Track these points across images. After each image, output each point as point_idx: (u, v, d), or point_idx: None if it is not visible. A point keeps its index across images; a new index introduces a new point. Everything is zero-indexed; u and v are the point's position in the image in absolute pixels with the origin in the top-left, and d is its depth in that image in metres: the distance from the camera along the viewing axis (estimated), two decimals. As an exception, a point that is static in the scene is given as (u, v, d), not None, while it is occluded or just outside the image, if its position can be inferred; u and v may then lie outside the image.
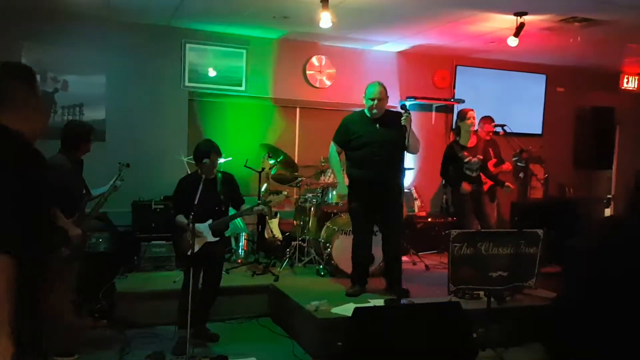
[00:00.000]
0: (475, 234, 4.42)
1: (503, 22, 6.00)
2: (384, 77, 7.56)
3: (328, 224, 5.89)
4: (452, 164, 5.73)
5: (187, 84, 6.88)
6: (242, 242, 6.31)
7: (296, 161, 6.83)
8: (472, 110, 5.78)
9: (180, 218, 4.37)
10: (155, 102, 6.75)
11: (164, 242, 5.80)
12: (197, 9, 6.02)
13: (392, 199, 4.95)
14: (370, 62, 7.68)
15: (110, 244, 5.55)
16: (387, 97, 5.00)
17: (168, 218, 5.29)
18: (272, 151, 6.39)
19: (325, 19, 5.60)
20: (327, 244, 5.70)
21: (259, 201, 4.86)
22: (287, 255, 5.92)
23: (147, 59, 6.69)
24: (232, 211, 4.72)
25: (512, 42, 6.03)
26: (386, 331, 3.66)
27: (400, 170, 5.07)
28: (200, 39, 6.91)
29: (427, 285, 5.26)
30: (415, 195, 7.50)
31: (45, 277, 1.93)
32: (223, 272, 4.75)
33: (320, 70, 7.47)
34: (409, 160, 7.36)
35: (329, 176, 6.36)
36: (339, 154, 5.06)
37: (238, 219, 5.58)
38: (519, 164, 6.74)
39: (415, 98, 7.67)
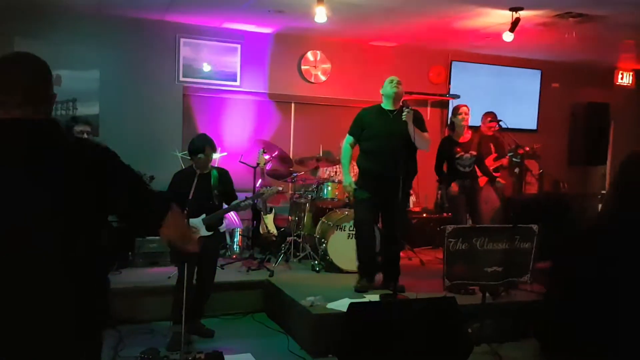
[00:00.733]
0: (470, 230, 4.42)
1: (498, 17, 6.00)
2: (379, 72, 7.56)
3: (323, 219, 5.88)
4: (444, 159, 5.73)
5: (181, 79, 6.85)
6: (237, 237, 6.30)
7: (291, 156, 6.82)
8: (465, 105, 5.76)
9: (174, 213, 4.34)
10: (149, 98, 6.71)
11: (158, 237, 5.75)
12: (191, 3, 5.99)
13: (396, 193, 4.73)
14: (365, 57, 7.67)
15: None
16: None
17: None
18: (267, 146, 6.37)
19: (320, 14, 5.59)
20: (322, 240, 5.69)
21: (252, 195, 4.85)
22: (282, 251, 5.91)
23: (141, 54, 6.66)
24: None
25: (508, 37, 6.04)
26: (381, 326, 3.66)
27: (409, 166, 4.93)
28: (195, 34, 6.88)
29: (422, 280, 5.25)
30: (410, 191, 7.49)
31: None
32: (218, 267, 4.73)
33: (315, 65, 7.45)
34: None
35: (327, 171, 6.36)
36: (352, 147, 5.02)
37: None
38: (514, 159, 6.75)
39: (411, 93, 7.64)
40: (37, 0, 5.93)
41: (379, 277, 5.09)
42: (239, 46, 7.09)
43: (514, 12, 5.75)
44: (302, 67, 7.40)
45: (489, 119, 6.45)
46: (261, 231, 6.37)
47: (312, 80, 7.45)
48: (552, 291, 2.02)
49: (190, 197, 4.04)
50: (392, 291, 4.67)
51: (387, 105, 4.97)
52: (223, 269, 5.52)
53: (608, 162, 8.72)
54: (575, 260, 1.92)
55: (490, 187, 5.99)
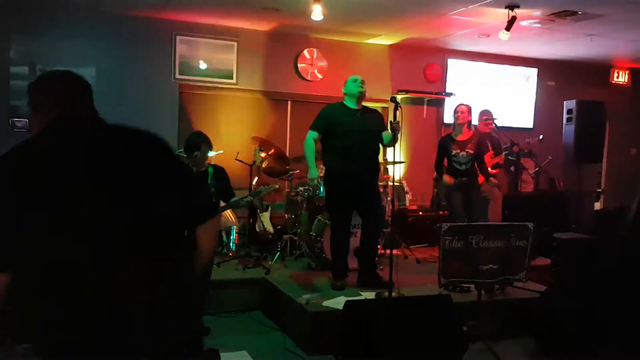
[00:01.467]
0: (465, 228, 4.43)
1: (495, 15, 6.01)
2: (375, 70, 7.60)
3: (319, 217, 5.87)
4: (443, 156, 5.80)
5: (177, 76, 6.84)
6: (233, 235, 6.29)
7: (287, 154, 6.82)
8: (463, 105, 5.80)
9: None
10: (145, 95, 6.70)
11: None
12: (187, 0, 5.98)
13: (371, 189, 5.04)
14: (362, 55, 7.67)
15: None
16: None
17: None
18: (264, 144, 6.37)
19: (317, 12, 5.59)
20: (319, 238, 5.69)
21: (249, 194, 4.85)
22: (279, 249, 5.91)
23: (137, 51, 6.64)
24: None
25: (504, 35, 6.05)
26: (377, 324, 3.66)
27: (377, 161, 5.17)
28: (191, 31, 6.87)
29: (418, 278, 5.26)
30: (406, 188, 7.50)
31: None
32: (214, 265, 4.73)
33: (312, 63, 7.44)
34: (400, 153, 7.36)
35: (322, 169, 6.35)
36: (316, 142, 5.06)
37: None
38: (510, 157, 6.78)
39: (407, 91, 7.67)
40: (33, -3, 5.91)
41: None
42: (235, 43, 7.08)
43: (510, 11, 5.75)
44: (299, 64, 7.39)
45: (485, 117, 6.50)
46: (257, 229, 6.37)
47: (309, 78, 7.44)
48: (555, 290, 2.03)
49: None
50: (375, 286, 4.76)
51: (351, 104, 4.98)
52: (219, 266, 5.52)
53: (604, 160, 8.75)
54: (586, 256, 1.93)
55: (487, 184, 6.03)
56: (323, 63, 7.48)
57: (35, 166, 1.55)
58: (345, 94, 5.03)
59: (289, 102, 7.48)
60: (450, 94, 7.97)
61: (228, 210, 5.75)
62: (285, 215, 6.44)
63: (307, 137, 5.03)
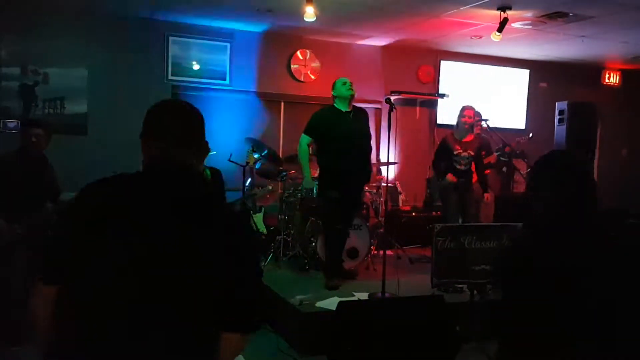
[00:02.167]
0: (458, 228, 4.45)
1: (487, 17, 6.03)
2: (368, 71, 7.61)
3: (313, 218, 5.88)
4: (443, 155, 5.81)
5: (170, 77, 6.83)
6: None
7: (281, 155, 6.81)
8: (471, 109, 5.80)
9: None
10: (137, 96, 6.66)
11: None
12: (180, 1, 5.97)
13: (361, 192, 5.38)
14: (354, 56, 7.68)
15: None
16: None
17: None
18: (257, 145, 6.36)
19: (309, 13, 5.59)
20: (312, 239, 5.69)
21: (244, 195, 4.85)
22: (272, 250, 5.90)
23: (129, 52, 6.62)
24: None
25: (496, 37, 6.08)
26: (370, 325, 3.67)
27: (370, 162, 5.34)
28: (184, 32, 6.85)
29: (411, 278, 5.28)
30: (399, 189, 7.52)
31: None
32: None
33: (305, 64, 7.45)
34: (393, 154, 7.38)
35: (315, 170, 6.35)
36: (309, 146, 5.14)
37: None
38: (502, 158, 6.80)
39: (400, 92, 7.68)
40: (24, -2, 5.89)
41: (365, 273, 5.17)
42: (228, 45, 7.07)
43: (502, 12, 5.78)
44: (292, 66, 7.39)
45: (476, 118, 6.50)
46: (250, 230, 6.36)
47: (302, 79, 7.45)
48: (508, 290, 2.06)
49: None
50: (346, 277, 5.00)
51: (342, 106, 5.05)
52: (212, 268, 5.50)
53: (595, 161, 8.79)
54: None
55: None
56: (316, 64, 7.48)
57: (113, 205, 1.56)
58: (335, 97, 5.08)
59: (282, 103, 7.48)
60: (443, 95, 7.98)
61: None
62: (279, 216, 6.44)
63: (301, 142, 5.08)
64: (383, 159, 7.13)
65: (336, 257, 5.14)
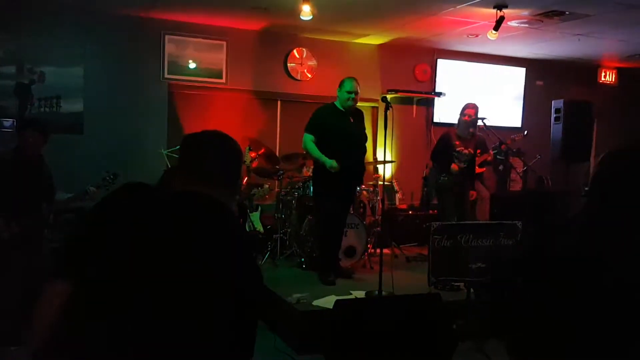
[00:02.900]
0: (455, 227, 4.45)
1: (483, 15, 6.03)
2: (365, 70, 7.60)
3: (309, 216, 5.87)
4: (443, 149, 5.79)
5: (166, 76, 6.81)
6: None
7: (277, 154, 6.81)
8: (472, 108, 5.80)
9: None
10: (134, 94, 6.67)
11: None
12: (176, 0, 5.96)
13: (354, 191, 5.50)
14: (351, 54, 7.67)
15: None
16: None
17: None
18: (253, 144, 6.36)
19: (306, 11, 5.59)
20: (309, 237, 5.69)
21: (240, 194, 4.84)
22: (269, 249, 5.90)
23: (125, 51, 6.61)
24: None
25: (492, 35, 6.08)
26: (367, 323, 3.67)
27: (364, 162, 5.45)
28: (180, 31, 6.84)
29: (408, 277, 5.28)
30: (396, 188, 7.53)
31: None
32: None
33: (302, 63, 7.44)
34: (390, 153, 7.39)
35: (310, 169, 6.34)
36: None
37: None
38: (498, 156, 6.81)
39: (397, 91, 7.69)
40: (20, -4, 5.87)
41: (362, 271, 5.20)
42: (224, 43, 7.06)
43: (498, 11, 5.78)
44: (288, 64, 7.38)
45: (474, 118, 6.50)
46: (247, 229, 6.36)
47: (299, 77, 7.44)
48: (524, 291, 1.99)
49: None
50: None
51: (343, 104, 5.13)
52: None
53: (591, 159, 8.81)
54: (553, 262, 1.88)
55: (478, 181, 6.09)
56: (312, 62, 7.48)
57: (134, 213, 1.58)
58: (338, 97, 5.14)
59: (279, 102, 7.47)
60: (439, 94, 8.00)
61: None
62: (276, 214, 6.44)
63: (306, 141, 5.14)
64: (380, 157, 7.13)
65: (331, 253, 5.16)
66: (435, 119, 8.09)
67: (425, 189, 7.59)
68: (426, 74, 8.10)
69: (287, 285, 4.91)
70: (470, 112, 5.75)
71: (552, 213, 6.38)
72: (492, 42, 6.71)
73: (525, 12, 5.96)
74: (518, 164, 7.22)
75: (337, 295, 4.45)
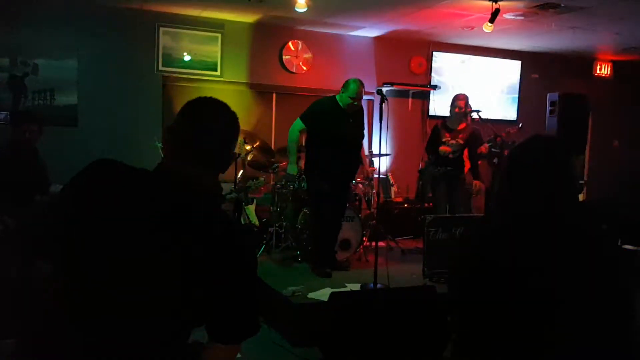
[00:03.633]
0: (449, 219, 4.46)
1: (479, 8, 6.02)
2: (360, 62, 7.59)
3: (305, 209, 5.87)
4: (433, 141, 5.82)
5: (160, 68, 6.78)
6: (219, 228, 6.26)
7: (273, 147, 6.80)
8: (462, 99, 5.82)
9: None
10: (128, 87, 6.64)
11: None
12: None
13: (347, 188, 5.39)
14: (346, 47, 7.65)
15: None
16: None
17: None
18: (248, 137, 6.34)
19: (301, 3, 5.57)
20: (304, 230, 5.69)
21: (237, 187, 4.84)
22: (264, 242, 5.90)
23: (119, 43, 6.57)
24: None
25: (487, 28, 6.07)
26: (362, 315, 3.68)
27: (358, 160, 5.38)
28: (174, 23, 6.81)
29: (403, 269, 5.29)
30: (391, 181, 7.53)
31: None
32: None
33: (297, 55, 7.42)
34: (386, 146, 7.39)
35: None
36: (302, 133, 5.14)
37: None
38: (493, 149, 6.81)
39: (392, 84, 7.68)
40: (13, -12, 5.82)
41: (357, 264, 5.20)
42: (219, 35, 7.03)
43: (494, 3, 5.77)
44: (284, 57, 7.36)
45: (469, 109, 6.50)
46: (242, 221, 6.36)
47: (294, 70, 7.42)
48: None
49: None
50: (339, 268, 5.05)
51: (344, 105, 5.03)
52: (204, 259, 5.51)
53: (587, 152, 8.84)
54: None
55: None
56: (308, 55, 7.45)
57: (113, 192, 1.53)
58: (341, 96, 5.03)
59: (274, 94, 7.45)
60: (435, 87, 7.99)
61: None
62: (271, 207, 6.43)
63: (294, 126, 5.10)
64: (375, 150, 7.13)
65: (326, 246, 5.16)
66: (431, 112, 8.09)
67: (421, 182, 7.60)
68: (422, 67, 8.08)
69: (282, 278, 4.92)
70: (460, 103, 5.77)
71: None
72: (488, 35, 6.70)
73: (520, 5, 5.95)
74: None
75: (332, 288, 4.47)
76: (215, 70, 7.03)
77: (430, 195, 6.36)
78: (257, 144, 6.30)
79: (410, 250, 6.34)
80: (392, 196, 7.50)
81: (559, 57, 8.62)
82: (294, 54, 7.41)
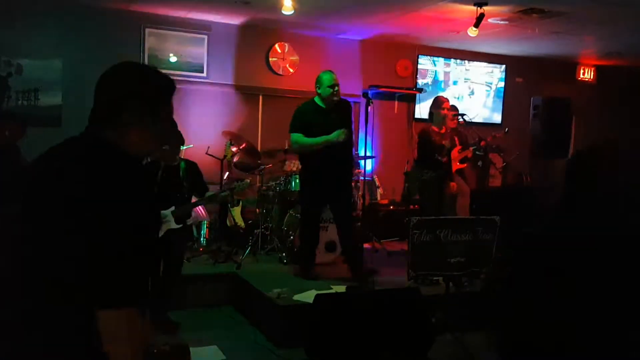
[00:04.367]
0: (434, 221, 4.49)
1: (464, 12, 6.08)
2: (346, 65, 7.61)
3: (291, 211, 5.89)
4: (429, 147, 5.82)
5: (147, 69, 6.74)
6: (204, 230, 6.26)
7: (259, 149, 6.80)
8: (444, 97, 5.89)
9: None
10: (114, 88, 6.60)
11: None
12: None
13: (345, 186, 5.13)
14: (333, 50, 7.68)
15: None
16: None
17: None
18: (235, 138, 6.34)
19: (288, 5, 5.59)
20: (290, 232, 5.70)
21: (222, 188, 4.84)
22: (250, 243, 5.90)
23: (105, 43, 6.53)
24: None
25: (472, 32, 6.13)
26: (347, 317, 3.70)
27: (351, 156, 5.24)
28: (160, 24, 6.79)
29: (388, 271, 5.32)
30: (377, 183, 7.56)
31: None
32: (184, 260, 4.72)
33: (283, 58, 7.43)
34: (371, 148, 7.41)
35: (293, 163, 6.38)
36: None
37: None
38: (477, 152, 6.88)
39: (378, 87, 7.71)
40: (-4, -13, 5.77)
41: (344, 268, 5.18)
42: (205, 37, 7.02)
43: (479, 8, 5.83)
44: (270, 59, 7.37)
45: (452, 113, 6.55)
46: (228, 224, 6.35)
47: (280, 72, 7.43)
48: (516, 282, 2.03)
49: (156, 190, 4.02)
50: (362, 281, 4.76)
51: (322, 103, 4.98)
52: (189, 261, 5.49)
53: (569, 155, 8.94)
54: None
55: (459, 176, 6.15)
56: (294, 57, 7.47)
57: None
58: (318, 93, 4.99)
59: (261, 97, 7.45)
60: (421, 90, 8.04)
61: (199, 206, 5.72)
62: (257, 209, 6.43)
63: (296, 141, 4.98)
64: (361, 153, 7.15)
65: (311, 248, 5.15)
66: (417, 115, 8.13)
67: (407, 184, 7.64)
68: (407, 70, 8.13)
69: (267, 280, 4.92)
70: (447, 105, 5.82)
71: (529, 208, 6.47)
72: (473, 39, 6.76)
73: (505, 10, 6.02)
74: (497, 160, 7.29)
75: (317, 290, 4.48)
76: (202, 72, 7.02)
77: (418, 198, 6.38)
78: (244, 145, 6.30)
79: (395, 252, 6.37)
80: (378, 198, 7.53)
81: (543, 61, 8.72)
82: (281, 56, 7.42)
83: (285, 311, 4.26)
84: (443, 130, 5.87)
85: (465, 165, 6.51)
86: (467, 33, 6.28)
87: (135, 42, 6.68)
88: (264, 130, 7.43)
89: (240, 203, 6.57)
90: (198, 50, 6.98)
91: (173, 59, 6.87)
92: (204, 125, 6.93)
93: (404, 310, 3.84)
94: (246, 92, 7.33)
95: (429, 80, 8.21)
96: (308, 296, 4.26)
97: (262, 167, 6.33)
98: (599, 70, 9.36)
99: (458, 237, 4.34)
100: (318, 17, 6.64)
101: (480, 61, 8.49)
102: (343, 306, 3.82)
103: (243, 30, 7.20)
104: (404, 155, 7.66)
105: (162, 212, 4.28)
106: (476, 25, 5.97)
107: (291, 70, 7.47)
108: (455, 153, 6.25)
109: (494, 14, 6.13)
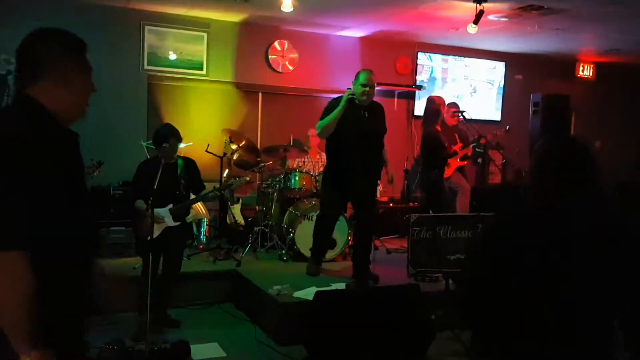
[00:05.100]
0: (434, 218, 4.50)
1: (463, 9, 6.08)
2: (346, 62, 7.61)
3: (290, 209, 5.90)
4: (439, 147, 5.85)
5: (146, 67, 6.75)
6: (204, 228, 6.27)
7: (258, 146, 6.80)
8: (442, 97, 5.93)
9: (140, 203, 4.32)
10: (113, 86, 6.59)
11: (123, 228, 5.74)
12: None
13: (369, 188, 4.95)
14: (332, 47, 7.67)
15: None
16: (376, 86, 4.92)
17: (127, 204, 5.23)
18: (234, 136, 6.34)
19: (287, 3, 5.58)
20: (290, 229, 5.71)
21: (220, 186, 4.84)
22: (250, 241, 5.91)
23: (104, 41, 6.52)
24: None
25: (472, 29, 6.13)
26: (347, 314, 3.71)
27: (378, 160, 5.04)
28: (160, 21, 6.78)
29: (388, 268, 5.33)
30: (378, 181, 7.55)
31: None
32: (184, 258, 4.72)
33: (283, 55, 7.43)
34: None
35: (294, 161, 6.38)
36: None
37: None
38: (477, 149, 6.88)
39: (378, 84, 7.69)
40: (-5, -15, 5.77)
41: (344, 264, 5.18)
42: (205, 34, 7.02)
43: (478, 4, 5.83)
44: (270, 56, 7.37)
45: (453, 110, 6.56)
46: (228, 221, 6.36)
47: (280, 69, 7.43)
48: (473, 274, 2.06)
49: (155, 187, 4.02)
50: (367, 280, 4.75)
51: (357, 96, 4.83)
52: (190, 259, 5.50)
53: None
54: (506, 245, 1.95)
55: (459, 174, 6.19)
56: (294, 55, 7.46)
57: None
58: (353, 85, 4.87)
59: (260, 94, 7.45)
60: (420, 87, 8.05)
61: (199, 203, 5.73)
62: (256, 207, 6.44)
63: (317, 126, 4.88)
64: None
65: (321, 246, 5.14)
66: (416, 112, 8.13)
67: (406, 181, 7.64)
68: (407, 67, 8.13)
69: (267, 277, 4.92)
70: (441, 101, 5.86)
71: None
72: (472, 36, 6.76)
73: (504, 7, 6.01)
74: (497, 157, 7.30)
75: (317, 286, 4.48)
76: (201, 69, 7.02)
77: (418, 195, 6.40)
78: (243, 143, 6.30)
79: (395, 250, 6.38)
80: (378, 195, 7.52)
81: (543, 58, 8.72)
82: (280, 54, 7.42)
83: (285, 308, 4.27)
84: (443, 130, 5.90)
85: (466, 162, 6.53)
86: (466, 30, 6.27)
87: (135, 39, 6.67)
88: (263, 127, 7.43)
89: (240, 201, 6.58)
90: (198, 48, 6.98)
91: (172, 56, 6.86)
92: (204, 123, 6.94)
93: (403, 307, 3.85)
94: (246, 90, 7.33)
95: (424, 77, 8.21)
96: (308, 293, 4.26)
97: (262, 164, 6.34)
98: (598, 67, 9.37)
99: (457, 234, 4.36)
100: (317, 14, 6.64)
101: (479, 58, 8.49)
102: (343, 303, 3.83)
103: (242, 27, 7.20)
104: (403, 152, 7.67)
105: (159, 210, 4.28)
106: (476, 22, 5.97)
107: (291, 67, 7.46)
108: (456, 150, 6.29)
109: (494, 11, 6.13)
